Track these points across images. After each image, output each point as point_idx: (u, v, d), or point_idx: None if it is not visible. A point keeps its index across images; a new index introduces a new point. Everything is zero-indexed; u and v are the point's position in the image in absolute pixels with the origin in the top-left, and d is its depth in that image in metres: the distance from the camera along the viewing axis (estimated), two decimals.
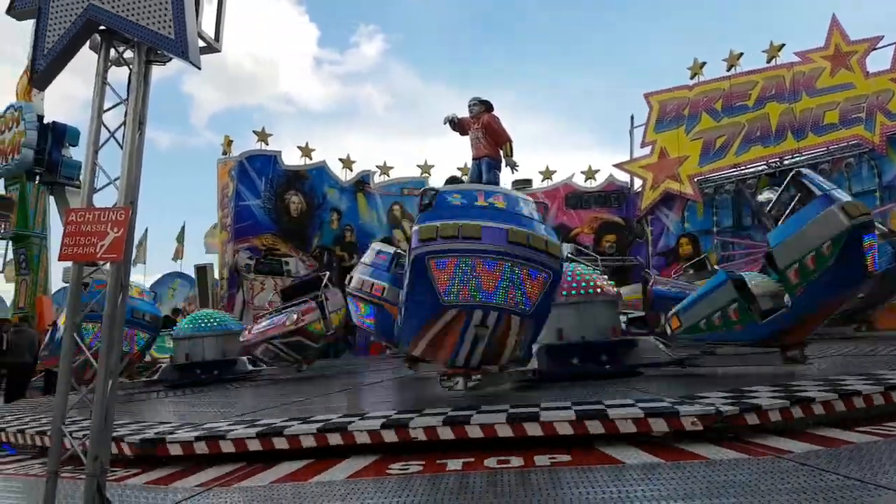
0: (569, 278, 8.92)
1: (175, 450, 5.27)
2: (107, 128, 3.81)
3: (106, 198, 3.77)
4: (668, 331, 8.93)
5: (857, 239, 6.83)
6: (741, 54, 21.30)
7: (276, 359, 13.21)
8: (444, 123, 15.65)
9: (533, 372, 8.19)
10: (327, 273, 15.06)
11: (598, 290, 9.12)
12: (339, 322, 13.54)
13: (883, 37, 18.71)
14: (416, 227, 6.72)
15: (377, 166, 25.44)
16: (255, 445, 5.14)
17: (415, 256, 6.51)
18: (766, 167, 20.63)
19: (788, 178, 7.94)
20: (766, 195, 19.44)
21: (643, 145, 22.85)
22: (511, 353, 7.10)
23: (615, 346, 8.86)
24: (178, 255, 28.25)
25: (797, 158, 19.94)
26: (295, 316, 12.88)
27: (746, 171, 20.92)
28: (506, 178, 17.04)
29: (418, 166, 25.90)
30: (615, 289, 9.91)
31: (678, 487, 3.52)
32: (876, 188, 18.16)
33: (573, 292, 8.92)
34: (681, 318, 8.60)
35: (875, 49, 18.87)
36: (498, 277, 6.41)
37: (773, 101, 20.35)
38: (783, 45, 20.56)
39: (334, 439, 5.07)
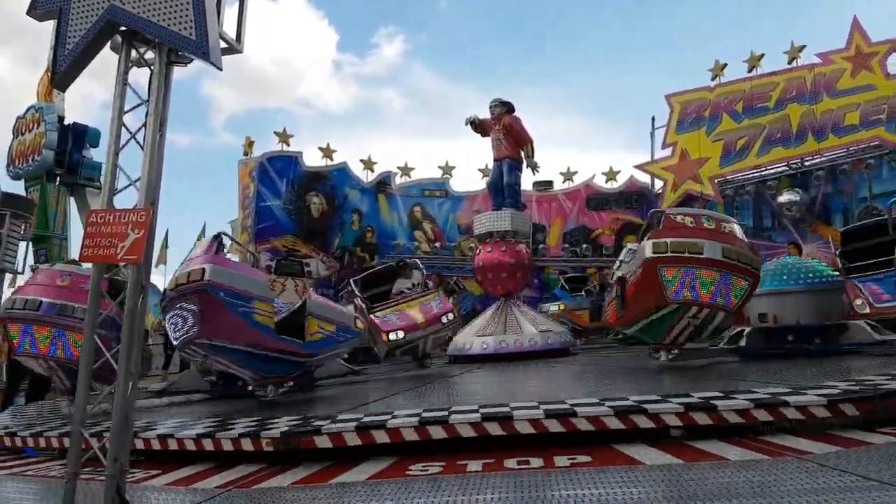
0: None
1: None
2: (128, 129, 3.81)
3: (127, 199, 3.78)
4: None
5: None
6: (762, 55, 21.16)
7: None
8: (466, 124, 15.76)
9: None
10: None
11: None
12: None
13: None
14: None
15: (398, 167, 25.55)
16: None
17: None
18: (786, 168, 20.50)
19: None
20: (786, 196, 19.65)
21: (664, 146, 22.77)
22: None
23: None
24: None
25: (818, 160, 19.76)
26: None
27: (767, 172, 20.79)
28: (527, 179, 17.17)
29: (440, 167, 26.00)
30: None
31: (697, 488, 3.48)
32: None
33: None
34: None
35: None
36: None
37: (793, 102, 20.19)
38: (804, 46, 20.42)
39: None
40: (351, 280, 13.93)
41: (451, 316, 12.46)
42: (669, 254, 7.94)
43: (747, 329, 9.97)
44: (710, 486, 3.54)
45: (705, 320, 8.40)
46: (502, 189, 15.10)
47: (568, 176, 25.89)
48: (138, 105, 3.86)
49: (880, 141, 18.29)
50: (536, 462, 4.41)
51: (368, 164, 24.70)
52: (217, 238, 7.59)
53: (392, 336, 11.69)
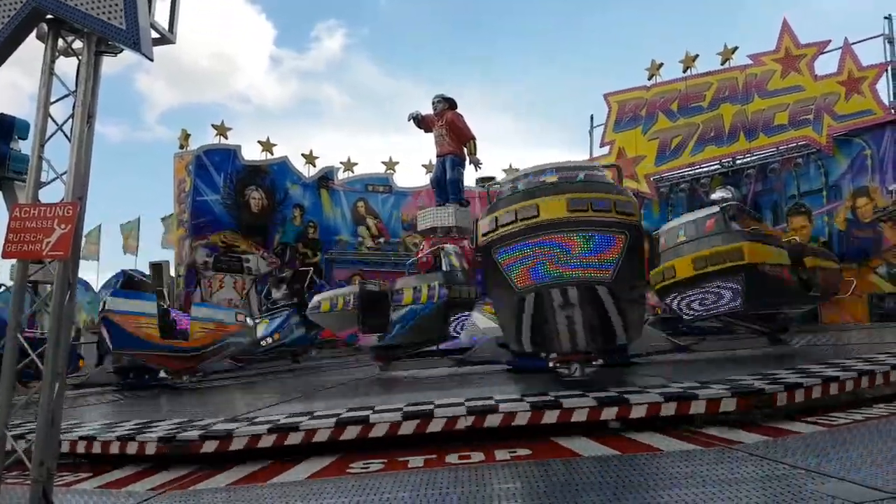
0: None
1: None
2: (54, 120, 3.67)
3: (54, 193, 3.64)
4: None
5: None
6: (696, 56, 21.68)
7: None
8: (408, 120, 15.72)
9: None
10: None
11: None
12: None
13: (830, 41, 19.25)
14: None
15: (341, 162, 25.25)
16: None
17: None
18: (719, 166, 21.12)
19: None
20: (718, 194, 20.22)
21: (602, 145, 23.19)
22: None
23: None
24: (130, 249, 27.34)
25: (749, 158, 20.45)
26: None
27: (700, 170, 21.39)
28: (469, 175, 17.22)
29: (383, 163, 25.80)
30: None
31: (634, 478, 3.57)
32: (822, 187, 18.80)
33: None
34: None
35: (823, 53, 19.40)
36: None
37: (726, 102, 20.78)
38: (737, 47, 20.99)
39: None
40: None
41: None
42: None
43: None
44: (646, 475, 3.63)
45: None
46: (446, 185, 15.14)
47: (510, 173, 26.13)
48: (66, 96, 3.72)
49: (808, 140, 19.00)
50: (477, 456, 4.45)
51: (310, 159, 24.35)
52: None
53: None
